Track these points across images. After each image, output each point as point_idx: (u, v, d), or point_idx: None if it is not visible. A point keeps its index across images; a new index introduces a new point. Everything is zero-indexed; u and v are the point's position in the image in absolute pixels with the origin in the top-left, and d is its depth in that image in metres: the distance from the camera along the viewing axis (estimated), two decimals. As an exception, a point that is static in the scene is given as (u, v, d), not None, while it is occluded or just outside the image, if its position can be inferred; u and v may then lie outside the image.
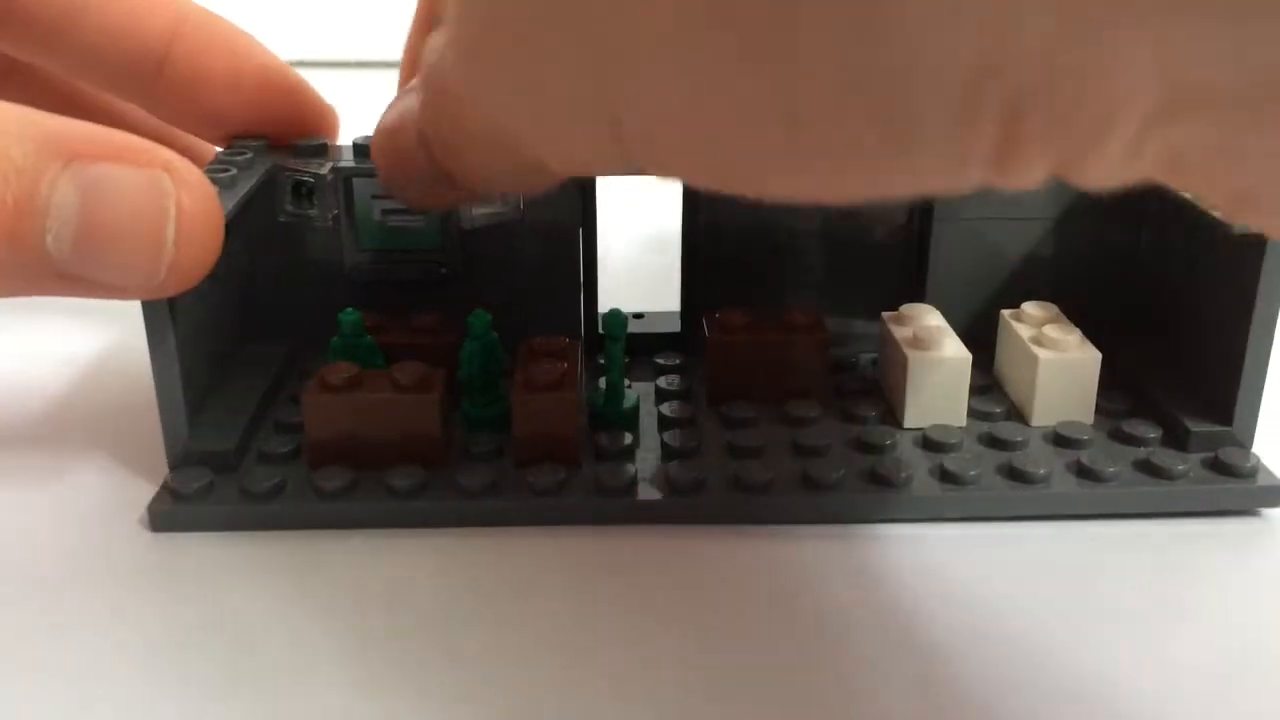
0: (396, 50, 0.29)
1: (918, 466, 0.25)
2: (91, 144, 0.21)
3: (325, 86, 0.31)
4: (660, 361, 0.29)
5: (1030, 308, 0.28)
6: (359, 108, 0.31)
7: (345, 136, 0.30)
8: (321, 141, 0.29)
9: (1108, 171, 0.11)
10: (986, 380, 0.28)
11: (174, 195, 0.21)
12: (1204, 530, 0.24)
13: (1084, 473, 0.24)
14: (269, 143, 0.29)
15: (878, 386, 0.28)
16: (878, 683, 0.20)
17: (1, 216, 0.20)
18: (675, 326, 0.30)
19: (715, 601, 0.22)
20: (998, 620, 0.21)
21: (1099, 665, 0.20)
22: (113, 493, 0.25)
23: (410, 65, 0.28)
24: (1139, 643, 0.21)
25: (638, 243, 0.33)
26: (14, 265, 0.20)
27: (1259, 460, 0.24)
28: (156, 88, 0.29)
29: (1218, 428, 0.25)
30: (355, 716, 0.19)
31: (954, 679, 0.20)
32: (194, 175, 0.22)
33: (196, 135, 0.31)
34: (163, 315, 0.23)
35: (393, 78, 0.30)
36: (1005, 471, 0.24)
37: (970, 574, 0.23)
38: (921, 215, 0.30)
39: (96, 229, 0.21)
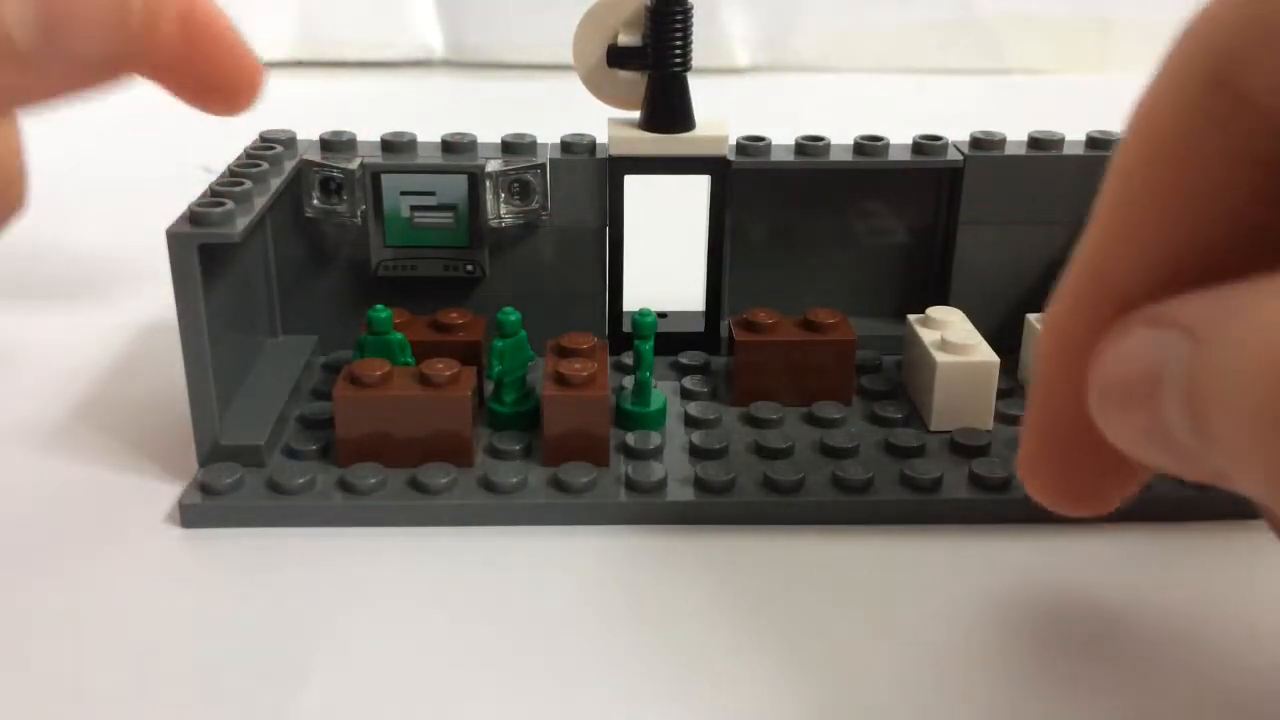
0: (394, 50, 0.28)
1: (947, 470, 0.25)
2: None
3: (325, 87, 0.31)
4: (684, 361, 0.29)
5: (1056, 312, 0.28)
6: (356, 108, 0.31)
7: (363, 135, 0.30)
8: (350, 137, 0.29)
9: None
10: (1011, 383, 0.28)
11: None
12: (1241, 533, 0.24)
13: (1112, 477, 0.24)
14: (294, 136, 0.29)
15: (902, 389, 0.28)
16: (907, 682, 0.20)
17: None
18: (699, 326, 0.30)
19: (746, 600, 0.22)
20: (1027, 621, 0.21)
21: (1135, 665, 0.20)
22: (142, 488, 0.25)
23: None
24: (1173, 646, 0.21)
25: (662, 243, 0.33)
26: None
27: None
28: None
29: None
30: (383, 712, 0.19)
31: (984, 679, 0.20)
32: None
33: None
34: (196, 310, 0.23)
35: (391, 78, 0.29)
36: (1034, 475, 0.24)
37: (1000, 576, 0.23)
38: (946, 218, 0.30)
39: None
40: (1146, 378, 0.13)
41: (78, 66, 0.19)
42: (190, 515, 0.24)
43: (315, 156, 0.28)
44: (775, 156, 0.29)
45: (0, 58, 0.18)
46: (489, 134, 0.29)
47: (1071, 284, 0.16)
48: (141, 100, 0.22)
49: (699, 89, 0.29)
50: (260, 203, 0.25)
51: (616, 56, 0.28)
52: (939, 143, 0.29)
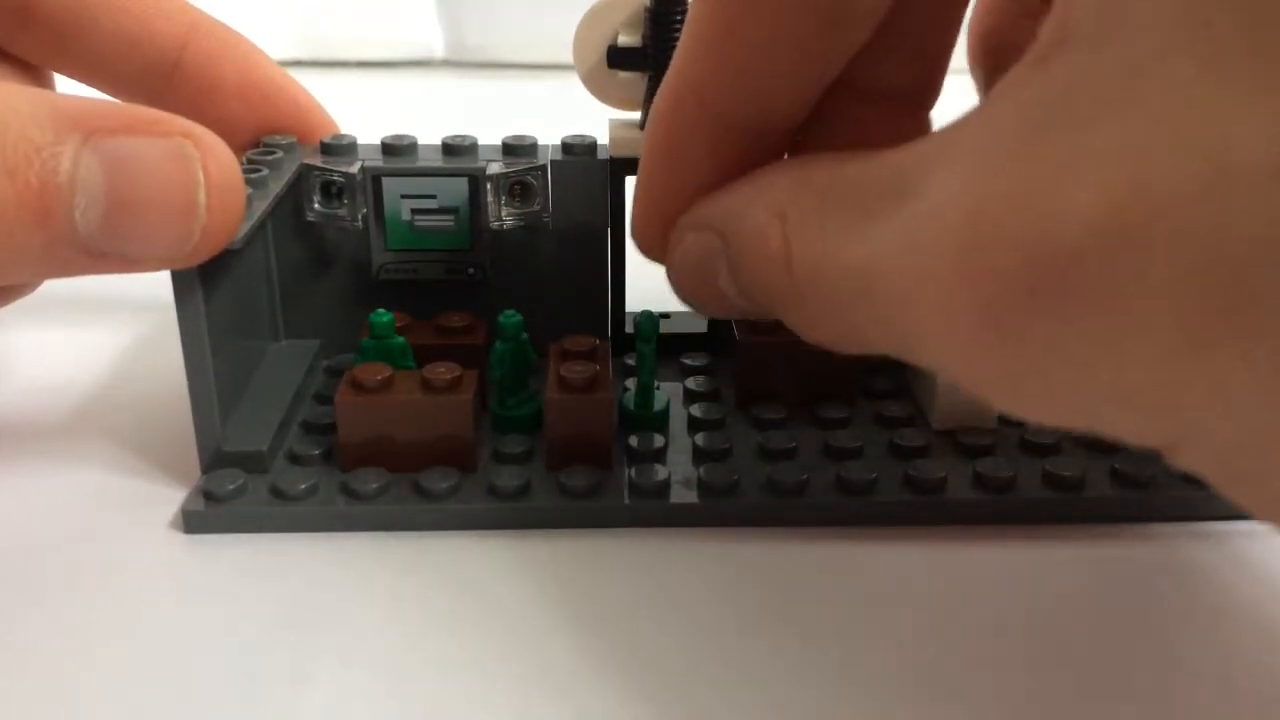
0: (394, 50, 0.29)
1: (951, 470, 0.25)
2: (109, 118, 0.21)
3: (325, 87, 0.31)
4: (687, 362, 0.29)
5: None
6: (356, 108, 0.31)
7: (363, 136, 0.30)
8: (351, 140, 0.29)
9: None
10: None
11: (200, 160, 0.21)
12: (1246, 534, 0.24)
13: (1118, 476, 0.24)
14: (297, 141, 0.29)
15: (906, 388, 0.28)
16: (911, 685, 0.20)
17: (28, 197, 0.20)
18: (702, 327, 0.30)
19: (751, 603, 0.22)
20: (1032, 623, 0.21)
21: (1141, 666, 0.20)
22: (144, 495, 0.25)
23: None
24: (1180, 647, 0.21)
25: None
26: (43, 245, 0.20)
27: None
28: (167, 94, 0.29)
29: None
30: (387, 717, 0.19)
31: (989, 681, 0.20)
32: (214, 139, 0.22)
33: None
34: (197, 316, 0.23)
35: (391, 78, 0.30)
36: (1039, 476, 0.24)
37: (1005, 578, 0.23)
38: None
39: (126, 201, 0.21)
40: (703, 266, 0.20)
41: (132, 262, 0.21)
42: (193, 521, 0.24)
43: (316, 160, 0.28)
44: (777, 156, 0.29)
45: (62, 239, 0.20)
46: (489, 134, 0.29)
47: (671, 91, 0.20)
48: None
49: (700, 89, 0.28)
50: (261, 207, 0.25)
51: (616, 57, 0.28)
52: (941, 141, 0.29)
